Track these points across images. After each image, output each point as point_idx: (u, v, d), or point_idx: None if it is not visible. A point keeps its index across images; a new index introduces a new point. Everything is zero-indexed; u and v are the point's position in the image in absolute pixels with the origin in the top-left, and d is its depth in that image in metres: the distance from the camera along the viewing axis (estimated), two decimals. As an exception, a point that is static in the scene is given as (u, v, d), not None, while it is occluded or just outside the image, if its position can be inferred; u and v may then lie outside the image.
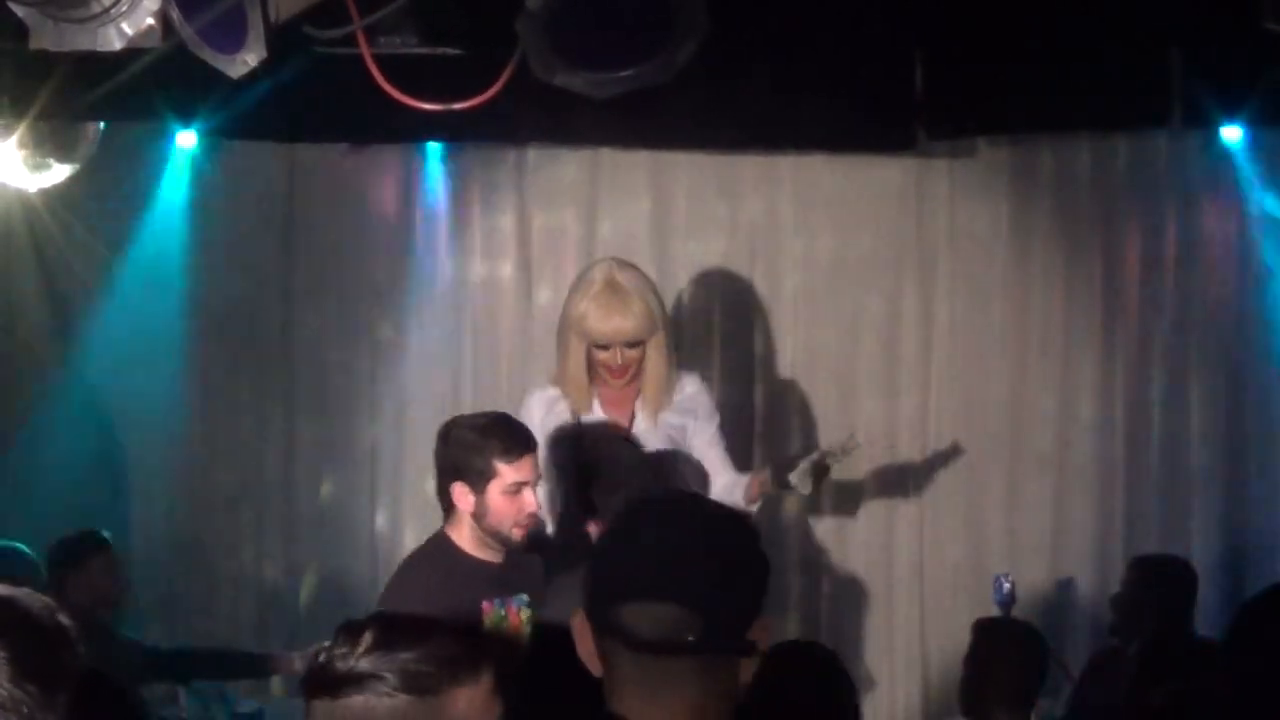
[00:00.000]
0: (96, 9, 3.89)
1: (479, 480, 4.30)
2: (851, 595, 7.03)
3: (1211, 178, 6.79)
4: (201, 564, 7.29)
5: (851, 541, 7.05)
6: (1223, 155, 6.63)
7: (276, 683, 6.52)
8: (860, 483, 7.01)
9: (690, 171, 7.02)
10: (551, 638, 4.17)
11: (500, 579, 4.41)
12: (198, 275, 7.22)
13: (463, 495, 4.34)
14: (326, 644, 2.23)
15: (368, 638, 2.18)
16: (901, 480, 7.02)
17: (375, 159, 7.14)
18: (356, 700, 2.17)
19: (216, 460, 7.31)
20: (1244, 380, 6.88)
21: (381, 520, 7.26)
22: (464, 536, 4.39)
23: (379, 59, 4.49)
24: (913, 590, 7.01)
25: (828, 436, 7.00)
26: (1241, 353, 6.88)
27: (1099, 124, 6.24)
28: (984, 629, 4.94)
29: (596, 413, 5.30)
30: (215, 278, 7.22)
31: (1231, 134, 6.43)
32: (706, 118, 5.94)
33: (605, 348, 5.14)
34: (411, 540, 7.25)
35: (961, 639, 5.06)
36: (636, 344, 5.16)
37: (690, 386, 5.41)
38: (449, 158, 7.09)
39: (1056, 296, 6.95)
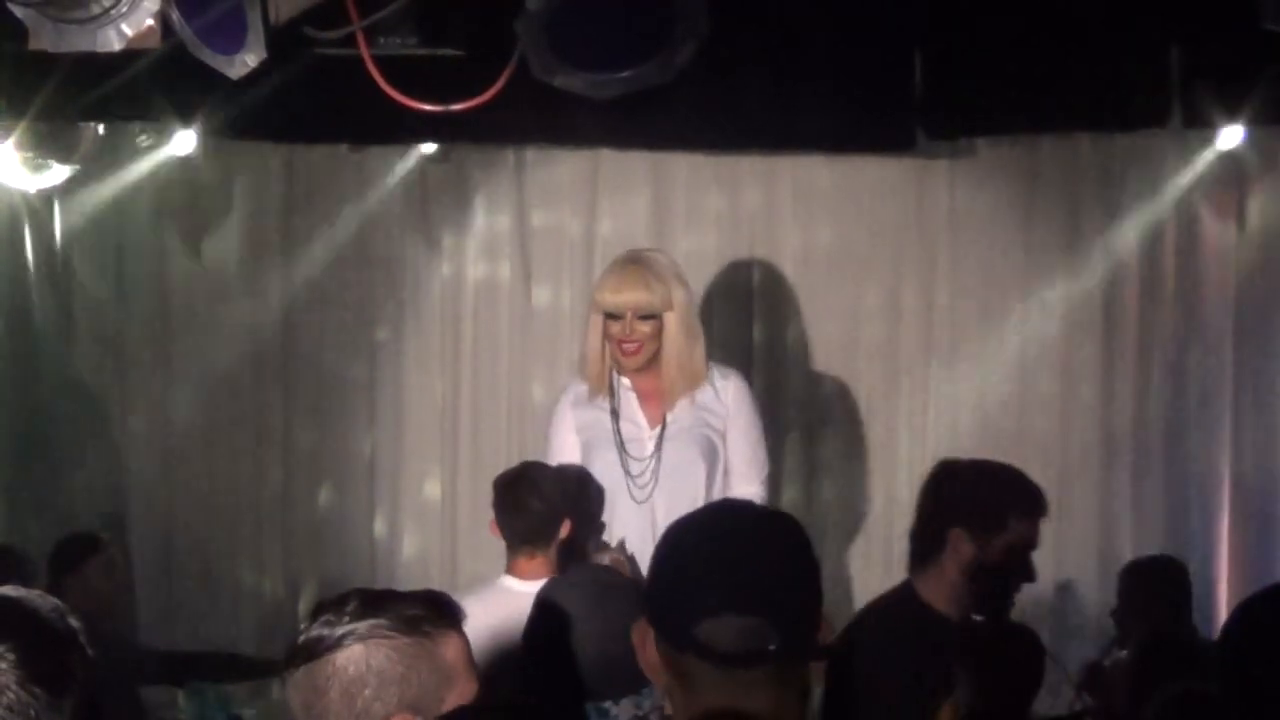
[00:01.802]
0: (96, 10, 3.88)
1: (985, 531, 3.81)
2: (850, 586, 7.03)
3: (1210, 177, 6.79)
4: (201, 571, 7.29)
5: (851, 529, 7.06)
6: (1222, 155, 6.63)
7: (276, 686, 6.52)
8: (860, 472, 7.03)
9: (689, 170, 7.03)
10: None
11: None
12: (196, 277, 7.22)
13: (959, 544, 3.83)
14: (307, 623, 2.30)
15: (353, 603, 2.27)
16: (901, 467, 7.03)
17: (374, 159, 7.14)
18: (355, 650, 2.25)
19: (215, 467, 7.31)
20: (1243, 374, 6.89)
21: (380, 527, 7.26)
22: (936, 590, 3.92)
23: (378, 60, 4.48)
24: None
25: (826, 430, 7.06)
26: (1240, 349, 6.89)
27: (1099, 124, 6.24)
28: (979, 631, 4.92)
29: (631, 406, 5.07)
30: (214, 280, 7.22)
31: (1231, 134, 6.42)
32: (706, 118, 5.93)
33: (617, 317, 4.94)
34: (410, 546, 7.27)
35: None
36: (649, 317, 4.94)
37: (733, 383, 5.14)
38: (448, 158, 7.09)
39: (1056, 294, 6.95)
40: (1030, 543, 3.84)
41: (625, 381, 5.07)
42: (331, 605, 2.34)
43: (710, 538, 2.07)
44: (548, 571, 4.51)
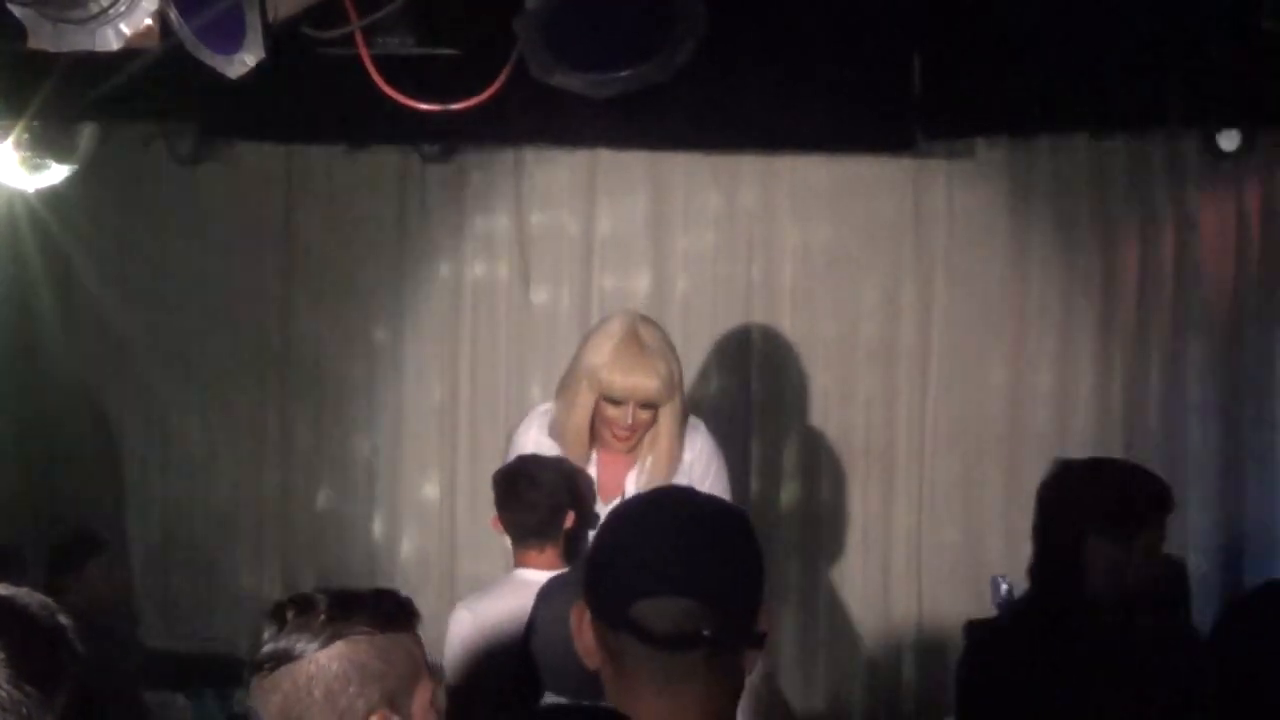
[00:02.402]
0: (94, 9, 3.88)
1: (1127, 536, 3.68)
2: (849, 581, 7.04)
3: (1209, 177, 6.80)
4: (199, 572, 7.28)
5: (850, 526, 7.06)
6: (1220, 155, 6.63)
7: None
8: (858, 470, 7.03)
9: (687, 169, 7.03)
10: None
11: None
12: (194, 278, 7.21)
13: (1099, 551, 3.67)
14: (273, 628, 2.29)
15: (324, 603, 2.27)
16: (900, 465, 7.03)
17: (373, 159, 7.14)
18: (338, 647, 2.26)
19: (214, 467, 7.30)
20: (1241, 372, 6.90)
21: (379, 527, 7.25)
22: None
23: (377, 60, 4.48)
24: (910, 574, 7.01)
25: (824, 428, 7.06)
26: (1238, 348, 6.90)
27: (1097, 124, 6.25)
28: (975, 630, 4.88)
29: (591, 471, 4.82)
30: (212, 280, 7.22)
31: (1230, 134, 6.42)
32: (705, 118, 5.94)
33: (619, 403, 4.65)
34: (409, 546, 7.25)
35: (959, 617, 5.05)
36: (651, 406, 4.67)
37: (699, 444, 4.87)
38: (446, 158, 7.09)
39: (1054, 293, 6.96)
40: (1163, 538, 3.77)
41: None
42: (298, 606, 2.34)
43: (653, 520, 2.06)
44: (558, 562, 4.50)
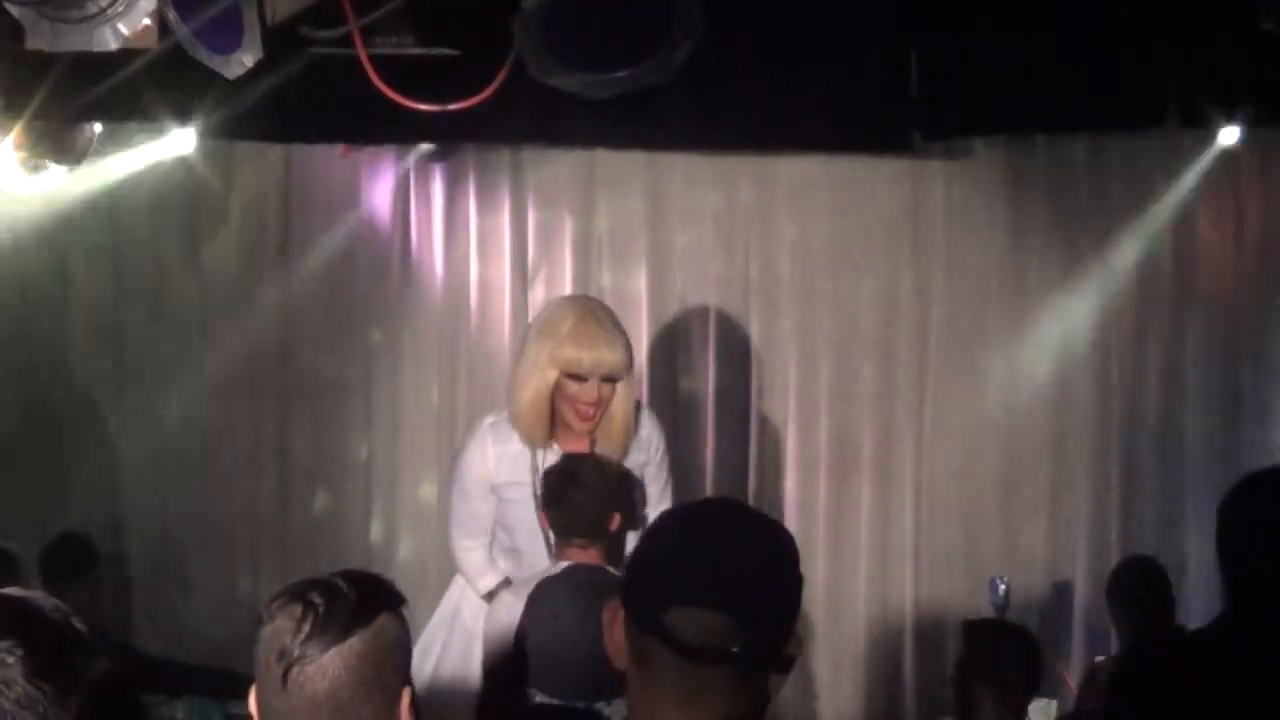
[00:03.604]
0: (93, 9, 3.88)
1: None
2: (846, 576, 7.04)
3: (1207, 176, 6.80)
4: (197, 576, 7.27)
5: (848, 522, 7.06)
6: (1219, 155, 6.64)
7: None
8: (857, 463, 7.04)
9: (685, 168, 7.03)
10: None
11: None
12: (192, 278, 7.21)
13: None
14: (303, 618, 2.27)
15: (347, 586, 2.26)
16: (897, 461, 7.03)
17: (371, 160, 7.14)
18: (374, 626, 2.29)
19: (211, 470, 7.29)
20: (1238, 372, 6.91)
21: (376, 530, 7.25)
22: None
23: (375, 59, 4.49)
24: (908, 570, 7.02)
25: (821, 424, 7.06)
26: (1235, 348, 6.91)
27: (1095, 124, 6.25)
28: (974, 629, 4.90)
29: (555, 453, 4.79)
30: (210, 281, 7.21)
31: (1228, 134, 6.43)
32: (702, 118, 5.93)
33: (583, 379, 4.66)
34: (406, 551, 7.24)
35: (957, 617, 5.06)
36: (612, 380, 4.70)
37: (646, 424, 4.96)
38: (444, 158, 7.09)
39: (1052, 290, 6.97)
40: None
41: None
42: (323, 591, 2.32)
43: (697, 529, 2.06)
44: (598, 559, 4.50)
